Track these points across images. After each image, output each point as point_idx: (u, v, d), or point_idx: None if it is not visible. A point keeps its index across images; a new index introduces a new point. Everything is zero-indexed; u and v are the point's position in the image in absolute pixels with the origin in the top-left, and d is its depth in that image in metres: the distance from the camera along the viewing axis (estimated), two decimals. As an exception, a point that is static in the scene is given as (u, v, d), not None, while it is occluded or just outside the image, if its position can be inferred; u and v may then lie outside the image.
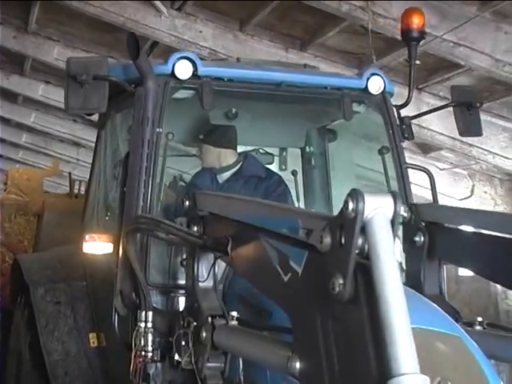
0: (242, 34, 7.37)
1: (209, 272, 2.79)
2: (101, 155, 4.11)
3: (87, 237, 3.33)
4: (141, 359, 2.74)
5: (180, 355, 2.67)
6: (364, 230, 1.59)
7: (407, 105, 3.73)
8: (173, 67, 3.19)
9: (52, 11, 8.79)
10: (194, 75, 3.24)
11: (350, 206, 1.59)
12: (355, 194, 1.61)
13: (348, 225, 1.63)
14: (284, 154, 4.54)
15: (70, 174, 7.47)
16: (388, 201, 1.65)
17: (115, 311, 3.11)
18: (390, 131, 3.62)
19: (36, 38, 9.43)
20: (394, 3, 5.46)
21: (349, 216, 1.61)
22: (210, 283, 2.80)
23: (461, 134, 3.83)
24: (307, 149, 4.52)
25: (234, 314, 2.51)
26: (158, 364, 2.81)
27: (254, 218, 2.50)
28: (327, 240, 1.72)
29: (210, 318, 2.58)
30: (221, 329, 2.59)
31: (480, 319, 2.75)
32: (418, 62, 3.66)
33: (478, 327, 2.74)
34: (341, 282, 1.62)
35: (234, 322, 2.51)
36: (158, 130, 3.11)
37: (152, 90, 3.00)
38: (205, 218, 2.80)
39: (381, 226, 1.64)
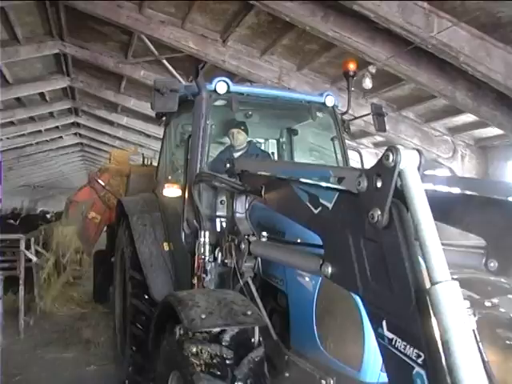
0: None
1: (245, 208, 3.92)
2: (166, 141, 5.91)
3: (166, 185, 4.85)
4: (201, 261, 4.04)
5: (226, 258, 3.94)
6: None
7: (346, 113, 5.49)
8: (215, 86, 4.75)
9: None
10: (228, 91, 4.79)
11: (391, 157, 1.93)
12: (394, 149, 1.94)
13: (387, 172, 1.95)
14: (268, 142, 6.47)
15: (143, 154, 10.60)
16: (415, 154, 2.00)
17: (183, 231, 4.53)
18: (337, 128, 5.38)
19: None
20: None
21: (388, 165, 1.95)
22: (242, 215, 3.96)
23: (377, 130, 5.50)
24: (280, 140, 6.42)
25: (265, 233, 3.65)
26: (212, 263, 4.06)
27: (284, 172, 3.26)
28: (364, 184, 2.11)
29: (246, 236, 3.73)
30: (255, 243, 3.67)
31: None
32: (352, 89, 5.31)
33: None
34: (379, 213, 1.99)
35: (264, 239, 3.64)
36: (207, 122, 4.63)
37: (205, 99, 4.53)
38: (240, 174, 3.84)
39: (412, 172, 1.96)
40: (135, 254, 5.25)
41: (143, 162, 9.87)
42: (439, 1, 6.62)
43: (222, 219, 4.30)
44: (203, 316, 3.09)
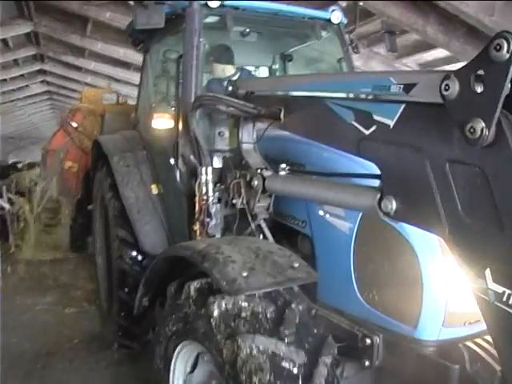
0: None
1: (253, 138, 3.12)
2: (146, 71, 4.89)
3: (155, 116, 3.87)
4: (204, 202, 3.20)
5: (234, 198, 3.12)
6: None
7: (354, 31, 4.56)
8: None
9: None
10: (221, 5, 3.78)
11: (505, 47, 1.42)
12: (511, 36, 1.43)
13: (496, 69, 1.45)
14: (258, 70, 5.31)
15: (117, 92, 9.16)
16: None
17: (177, 169, 3.59)
18: (345, 48, 4.44)
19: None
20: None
21: (499, 59, 1.44)
22: (250, 145, 3.17)
23: (389, 50, 4.57)
24: (273, 66, 5.32)
25: (284, 165, 2.87)
26: (217, 205, 3.23)
27: (311, 87, 2.57)
28: (455, 88, 1.59)
29: (258, 171, 2.98)
30: (273, 177, 2.91)
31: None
32: (361, 3, 4.39)
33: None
34: (482, 125, 1.49)
35: (284, 172, 2.87)
36: (201, 39, 3.62)
37: (198, 11, 3.49)
38: (246, 97, 3.02)
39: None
40: (119, 203, 4.34)
41: (117, 100, 8.66)
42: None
43: (224, 153, 3.43)
44: (245, 274, 2.23)
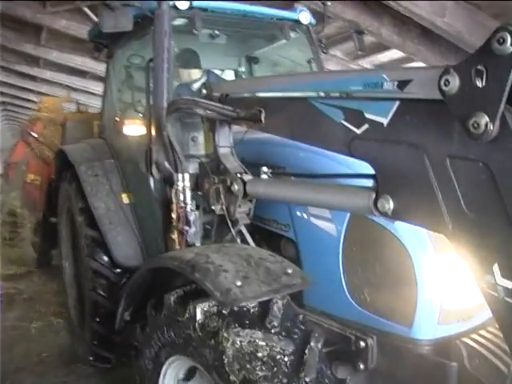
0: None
1: (230, 142, 2.99)
2: (110, 78, 4.65)
3: (127, 122, 3.69)
4: (182, 209, 3.04)
5: (213, 204, 2.97)
6: None
7: (322, 31, 4.46)
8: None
9: None
10: (190, 7, 3.61)
11: (508, 40, 1.36)
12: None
13: (500, 62, 1.39)
14: (223, 73, 5.08)
15: (77, 100, 8.80)
16: None
17: (151, 176, 3.42)
18: (314, 49, 4.35)
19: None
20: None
21: (503, 52, 1.38)
22: (227, 149, 3.03)
23: (357, 49, 4.44)
24: (239, 69, 5.18)
25: (265, 169, 2.76)
26: (196, 212, 3.07)
27: (295, 87, 2.47)
28: (455, 83, 1.53)
29: (238, 175, 2.86)
30: (254, 182, 2.80)
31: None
32: (329, 3, 4.34)
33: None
34: (486, 120, 1.45)
35: (265, 176, 2.75)
36: (171, 42, 3.45)
37: (167, 12, 3.32)
38: (221, 100, 2.88)
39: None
40: (87, 210, 4.12)
41: (78, 108, 8.34)
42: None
43: (199, 159, 3.27)
44: (238, 283, 2.10)
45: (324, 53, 4.41)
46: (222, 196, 2.93)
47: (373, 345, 2.38)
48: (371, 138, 1.94)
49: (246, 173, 2.93)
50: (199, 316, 2.26)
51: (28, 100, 21.16)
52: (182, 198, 3.06)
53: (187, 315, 2.31)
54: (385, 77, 1.86)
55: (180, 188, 3.06)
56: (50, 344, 5.33)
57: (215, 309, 2.30)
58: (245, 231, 3.02)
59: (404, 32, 8.33)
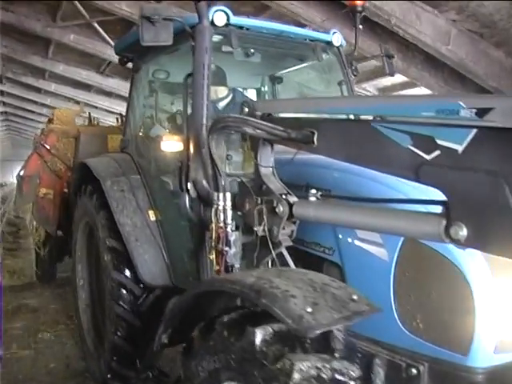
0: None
1: (272, 162, 2.80)
2: (135, 91, 4.42)
3: (164, 138, 3.47)
4: (222, 230, 2.83)
5: (255, 225, 2.77)
6: None
7: (353, 54, 4.31)
8: (212, 16, 3.39)
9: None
10: (227, 24, 3.49)
11: None
12: None
13: None
14: (246, 91, 4.94)
15: (89, 113, 8.25)
16: None
17: (187, 195, 3.19)
18: (345, 70, 4.19)
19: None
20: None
21: None
22: (269, 170, 2.85)
23: (387, 73, 4.36)
24: (262, 88, 5.05)
25: (314, 191, 2.58)
26: (236, 233, 2.87)
27: (355, 110, 2.41)
28: None
29: (283, 196, 2.69)
30: (301, 203, 2.63)
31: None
32: (360, 27, 4.14)
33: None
34: None
35: (313, 198, 2.56)
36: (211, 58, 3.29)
37: (208, 27, 3.16)
38: (263, 119, 2.73)
39: None
40: (111, 223, 3.91)
41: (90, 121, 7.93)
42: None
43: (238, 178, 3.10)
44: (309, 310, 1.91)
45: (354, 75, 4.26)
46: (265, 217, 2.74)
47: (425, 372, 2.24)
48: (443, 165, 1.85)
49: (289, 194, 2.75)
50: (259, 341, 2.09)
51: (31, 111, 20.99)
52: (222, 217, 2.86)
53: (245, 340, 2.14)
54: (461, 104, 1.76)
55: (220, 207, 2.86)
56: (57, 355, 5.20)
57: (276, 333, 2.14)
58: (286, 253, 2.83)
59: (408, 58, 8.34)
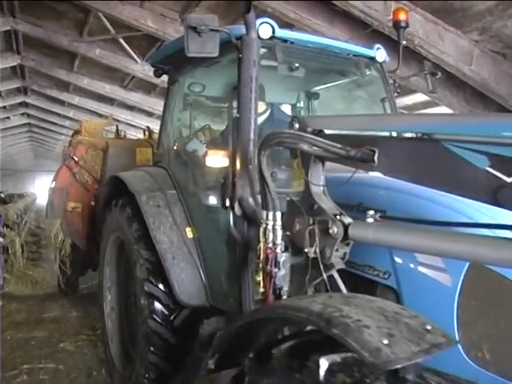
0: None
1: (322, 180, 2.60)
2: (172, 103, 4.16)
3: (210, 153, 3.26)
4: (270, 250, 2.61)
5: (306, 246, 2.55)
6: None
7: (396, 71, 4.10)
8: (257, 29, 3.16)
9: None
10: (272, 36, 3.30)
11: None
12: None
13: None
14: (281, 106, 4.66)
15: (117, 125, 7.88)
16: None
17: (231, 212, 3.00)
18: (387, 88, 3.97)
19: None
20: None
21: None
22: (320, 188, 2.63)
23: (429, 91, 4.15)
24: (297, 104, 4.79)
25: (372, 212, 2.35)
26: (286, 254, 2.63)
27: (423, 129, 2.22)
28: None
29: (337, 217, 2.47)
30: (360, 225, 2.42)
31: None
32: (404, 42, 3.90)
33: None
34: None
35: (371, 220, 2.34)
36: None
37: (256, 39, 2.97)
38: (317, 135, 2.51)
39: None
40: (144, 236, 3.70)
41: (118, 133, 7.57)
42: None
43: (288, 196, 2.80)
44: (385, 341, 1.68)
45: (398, 93, 4.05)
46: (317, 238, 2.52)
47: None
48: None
49: (342, 214, 2.54)
50: (323, 370, 1.89)
51: (53, 123, 20.99)
52: (271, 237, 2.63)
53: (307, 370, 1.93)
54: None
55: (270, 227, 2.64)
56: (79, 365, 5.09)
57: (341, 363, 1.94)
58: (337, 276, 2.61)
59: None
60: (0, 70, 13.95)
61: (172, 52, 3.87)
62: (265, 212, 2.69)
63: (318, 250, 2.53)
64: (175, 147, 4.05)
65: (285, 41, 3.40)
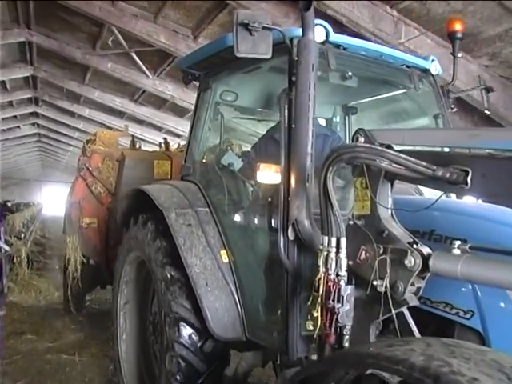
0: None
1: (390, 203, 2.14)
2: (202, 113, 3.63)
3: (262, 167, 2.68)
4: (333, 282, 2.14)
5: (374, 279, 2.09)
6: None
7: (451, 84, 3.55)
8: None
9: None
10: (326, 41, 2.84)
11: None
12: None
13: None
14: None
15: (132, 136, 7.24)
16: None
17: (283, 236, 2.50)
18: (441, 102, 3.48)
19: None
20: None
21: None
22: (387, 212, 2.16)
23: (485, 108, 3.64)
24: (333, 119, 4.30)
25: (458, 242, 1.94)
26: (351, 287, 2.17)
27: None
28: None
29: (414, 246, 2.02)
30: (446, 257, 1.95)
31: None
32: (459, 55, 3.46)
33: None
34: None
35: (458, 251, 1.90)
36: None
37: (314, 41, 2.48)
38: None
39: None
40: (171, 255, 3.15)
41: (133, 144, 6.77)
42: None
43: (351, 220, 2.31)
44: None
45: (452, 109, 3.55)
46: (389, 269, 2.05)
47: None
48: None
49: (417, 243, 2.05)
50: None
51: (63, 134, 20.44)
52: (333, 267, 2.14)
53: None
54: None
55: (332, 255, 2.15)
56: (83, 377, 4.76)
57: None
58: (407, 314, 2.13)
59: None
60: (13, 80, 13.60)
61: (206, 56, 3.37)
62: (326, 237, 2.19)
63: (388, 284, 2.04)
64: (205, 160, 3.54)
65: (338, 46, 2.92)
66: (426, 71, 3.41)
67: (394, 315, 2.07)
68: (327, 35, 2.79)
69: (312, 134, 2.40)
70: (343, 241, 2.15)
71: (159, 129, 14.79)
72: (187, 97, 10.85)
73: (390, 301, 2.05)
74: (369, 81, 3.38)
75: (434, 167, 1.89)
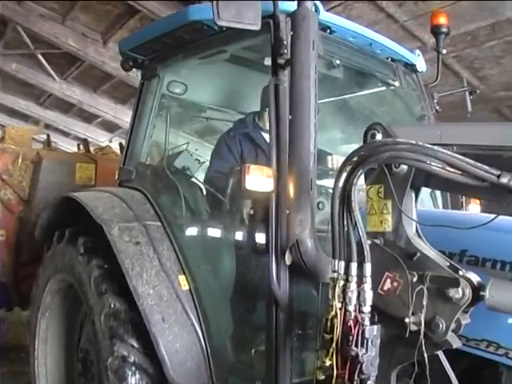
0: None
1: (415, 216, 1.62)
2: (144, 107, 2.89)
3: (251, 170, 1.91)
4: (355, 321, 1.54)
5: (405, 315, 1.52)
6: None
7: (435, 84, 3.06)
8: None
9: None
10: None
11: None
12: None
13: None
14: None
15: (48, 134, 5.93)
16: None
17: (279, 263, 1.86)
18: (426, 103, 2.96)
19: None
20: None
21: None
22: (413, 229, 1.62)
23: (469, 112, 3.14)
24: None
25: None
26: (378, 326, 1.57)
27: None
28: None
29: (460, 272, 1.49)
30: (503, 287, 1.45)
31: None
32: (444, 51, 2.95)
33: None
34: None
35: None
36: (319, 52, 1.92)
37: (313, 14, 1.85)
38: None
39: None
40: (109, 277, 2.35)
41: (49, 144, 5.43)
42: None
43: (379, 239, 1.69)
44: None
45: (437, 111, 3.01)
46: (425, 302, 1.49)
47: None
48: None
49: (457, 268, 1.51)
50: None
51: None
52: (354, 301, 1.53)
53: None
54: None
55: (353, 286, 1.53)
56: None
57: None
58: (443, 358, 1.59)
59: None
60: None
61: (158, 35, 2.61)
62: (342, 263, 1.56)
63: (423, 320, 1.48)
64: (153, 162, 2.76)
65: (325, 28, 2.32)
66: (411, 66, 2.90)
67: (427, 360, 1.50)
68: (316, 11, 2.13)
69: (315, 128, 1.76)
70: (368, 267, 1.53)
71: (66, 134, 13.37)
72: (95, 102, 10.08)
73: (423, 341, 1.48)
74: (354, 73, 2.76)
75: (499, 172, 1.36)
